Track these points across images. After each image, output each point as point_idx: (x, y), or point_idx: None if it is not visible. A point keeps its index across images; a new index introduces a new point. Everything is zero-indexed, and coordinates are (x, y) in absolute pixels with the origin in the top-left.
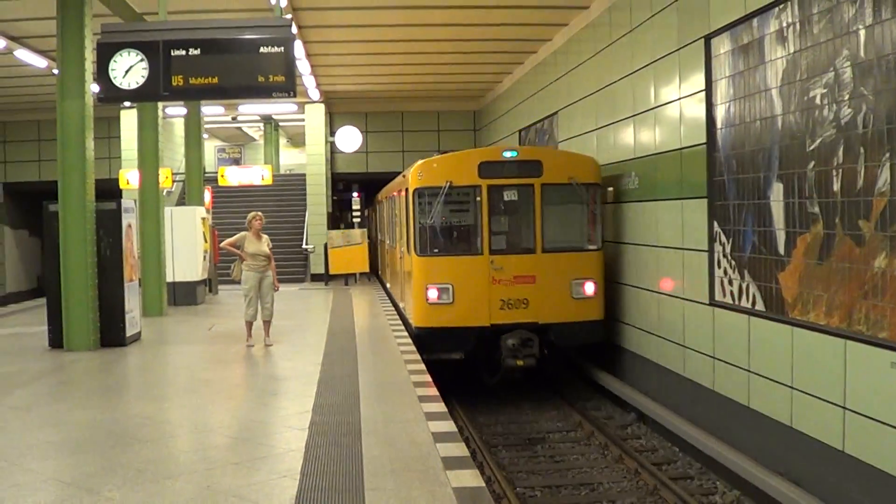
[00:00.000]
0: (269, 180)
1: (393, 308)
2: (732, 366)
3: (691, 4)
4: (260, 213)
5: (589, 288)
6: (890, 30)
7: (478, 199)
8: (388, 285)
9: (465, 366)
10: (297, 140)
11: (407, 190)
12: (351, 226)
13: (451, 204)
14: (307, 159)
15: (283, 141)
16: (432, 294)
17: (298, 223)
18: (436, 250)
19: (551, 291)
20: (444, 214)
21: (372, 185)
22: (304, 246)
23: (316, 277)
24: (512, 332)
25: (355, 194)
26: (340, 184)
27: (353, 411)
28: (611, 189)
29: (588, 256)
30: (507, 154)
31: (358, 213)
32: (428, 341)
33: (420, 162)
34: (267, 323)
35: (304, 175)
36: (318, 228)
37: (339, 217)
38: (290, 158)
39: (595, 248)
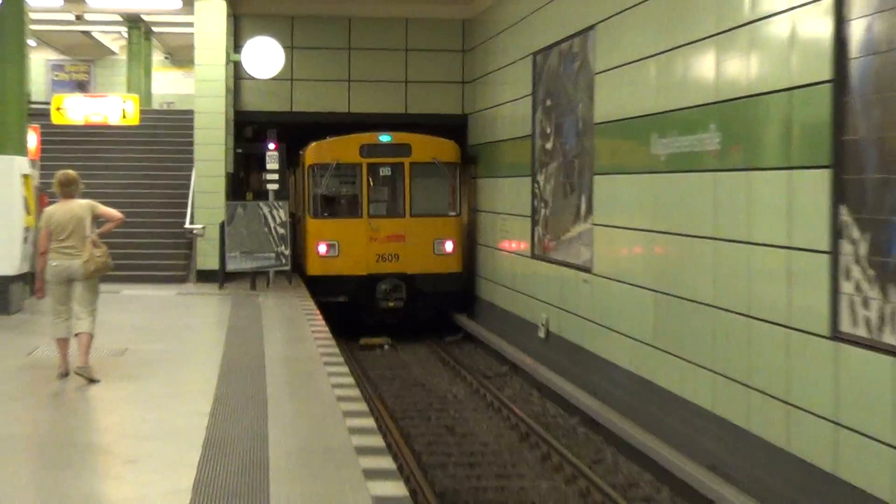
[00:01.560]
0: (133, 118)
1: (326, 327)
2: (870, 439)
3: None
4: (73, 173)
5: (448, 246)
6: None
7: (359, 173)
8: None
9: (348, 310)
10: (181, 56)
11: (304, 165)
12: (263, 196)
13: (339, 177)
14: (196, 88)
15: (157, 57)
16: (322, 249)
17: (180, 189)
18: (326, 214)
19: (417, 248)
20: (333, 186)
21: (299, 134)
22: (187, 226)
23: (206, 276)
24: (385, 280)
25: (271, 146)
26: (249, 129)
27: (259, 495)
28: (668, 153)
29: (448, 221)
30: (383, 138)
31: (275, 178)
32: (319, 287)
33: (313, 143)
34: (83, 339)
35: (190, 113)
36: (213, 198)
37: (245, 182)
38: (168, 85)
39: (454, 215)
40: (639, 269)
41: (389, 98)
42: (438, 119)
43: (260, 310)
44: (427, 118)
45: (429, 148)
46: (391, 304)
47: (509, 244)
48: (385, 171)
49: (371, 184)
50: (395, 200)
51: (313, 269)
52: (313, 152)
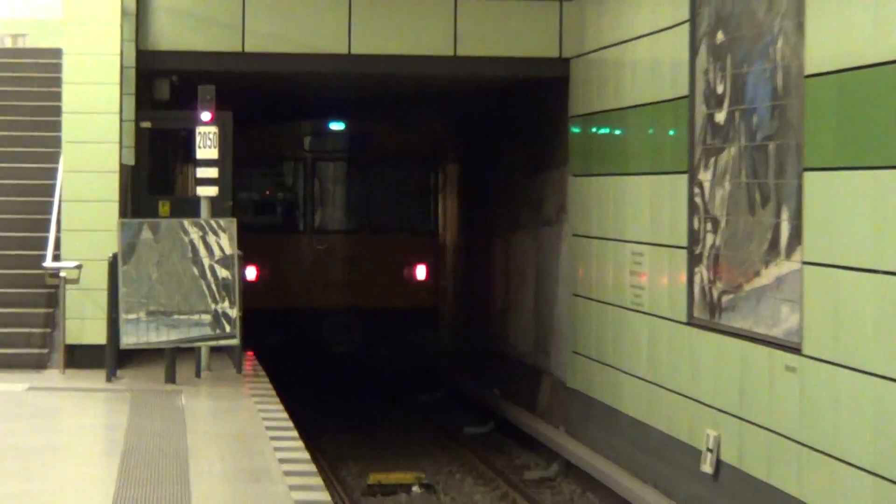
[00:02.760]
0: None
1: (304, 451)
2: None
3: None
4: None
5: (420, 272)
6: None
7: (300, 173)
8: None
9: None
10: None
11: None
12: (191, 208)
13: (273, 178)
14: (63, 8)
15: None
16: (245, 274)
17: (35, 197)
18: (252, 227)
19: (378, 274)
20: (262, 189)
21: (259, 96)
22: (48, 264)
23: (84, 357)
24: (332, 316)
25: (206, 116)
26: (165, 85)
27: None
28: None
29: (421, 239)
30: (334, 125)
31: (212, 175)
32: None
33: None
34: None
35: (54, 55)
36: (94, 213)
37: (157, 183)
38: (15, 5)
39: (429, 231)
40: None
41: (424, 30)
42: (516, 67)
43: (183, 421)
44: (494, 65)
45: (397, 138)
46: (339, 348)
47: (643, 297)
48: (336, 170)
49: (317, 187)
50: (349, 210)
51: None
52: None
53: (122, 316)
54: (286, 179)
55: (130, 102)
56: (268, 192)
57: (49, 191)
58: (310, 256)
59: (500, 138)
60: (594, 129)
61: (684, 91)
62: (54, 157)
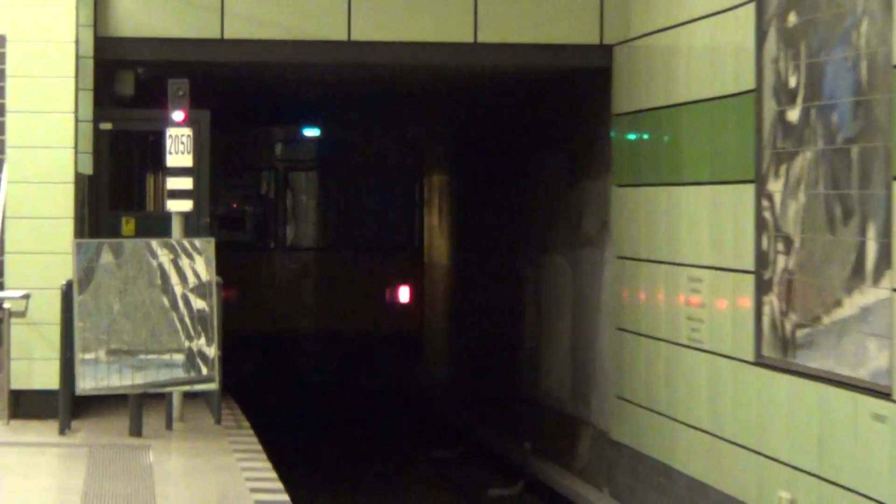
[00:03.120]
0: None
1: None
2: None
3: None
4: None
5: (403, 294)
6: None
7: (270, 183)
8: None
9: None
10: None
11: None
12: (160, 227)
13: (238, 189)
14: None
15: None
16: None
17: None
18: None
19: (354, 296)
20: (228, 200)
21: (243, 92)
22: None
23: (32, 405)
24: (302, 341)
25: (178, 116)
26: (129, 79)
27: None
28: None
29: (403, 256)
30: (308, 132)
31: (185, 186)
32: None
33: None
34: None
35: None
36: (44, 231)
37: (118, 196)
38: None
39: (413, 247)
40: None
41: (439, 13)
42: (548, 56)
43: (151, 483)
44: (521, 54)
45: (376, 146)
46: (312, 375)
47: (702, 332)
48: (308, 180)
49: (288, 199)
50: (324, 224)
51: None
52: None
53: (79, 356)
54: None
55: (88, 99)
56: (234, 205)
57: None
58: (282, 276)
59: (523, 142)
60: (642, 131)
61: (750, 84)
62: None
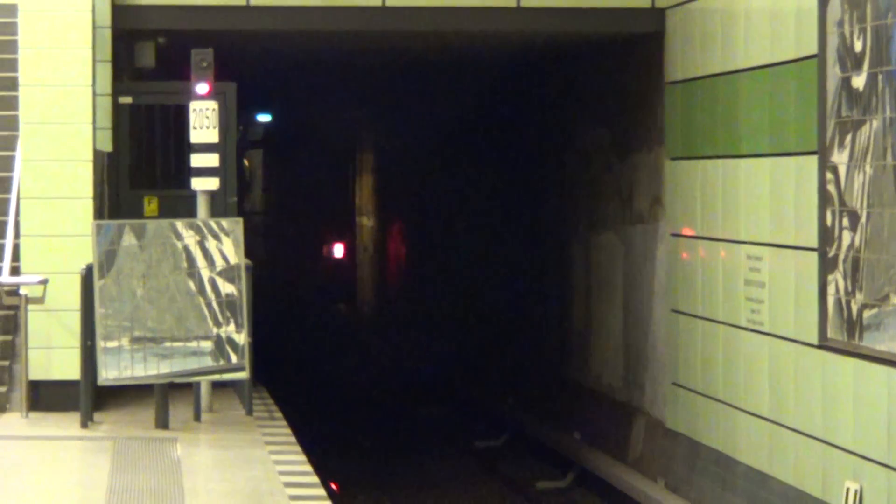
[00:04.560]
0: None
1: None
2: None
3: None
4: None
5: None
6: None
7: None
8: None
9: None
10: None
11: None
12: (185, 207)
13: None
14: None
15: None
16: None
17: None
18: None
19: None
20: None
21: (270, 64)
22: (5, 279)
23: (52, 397)
24: None
25: (202, 88)
26: (150, 50)
27: None
28: None
29: None
30: None
31: (212, 163)
32: None
33: None
34: None
35: (11, 11)
36: (62, 213)
37: (141, 174)
38: None
39: None
40: None
41: None
42: (596, 21)
43: (179, 477)
44: (567, 20)
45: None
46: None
47: (762, 314)
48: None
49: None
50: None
51: None
52: None
53: (100, 344)
54: None
55: (106, 72)
56: None
57: (5, 186)
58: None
59: (562, 113)
60: (697, 100)
61: (812, 49)
62: (10, 143)
